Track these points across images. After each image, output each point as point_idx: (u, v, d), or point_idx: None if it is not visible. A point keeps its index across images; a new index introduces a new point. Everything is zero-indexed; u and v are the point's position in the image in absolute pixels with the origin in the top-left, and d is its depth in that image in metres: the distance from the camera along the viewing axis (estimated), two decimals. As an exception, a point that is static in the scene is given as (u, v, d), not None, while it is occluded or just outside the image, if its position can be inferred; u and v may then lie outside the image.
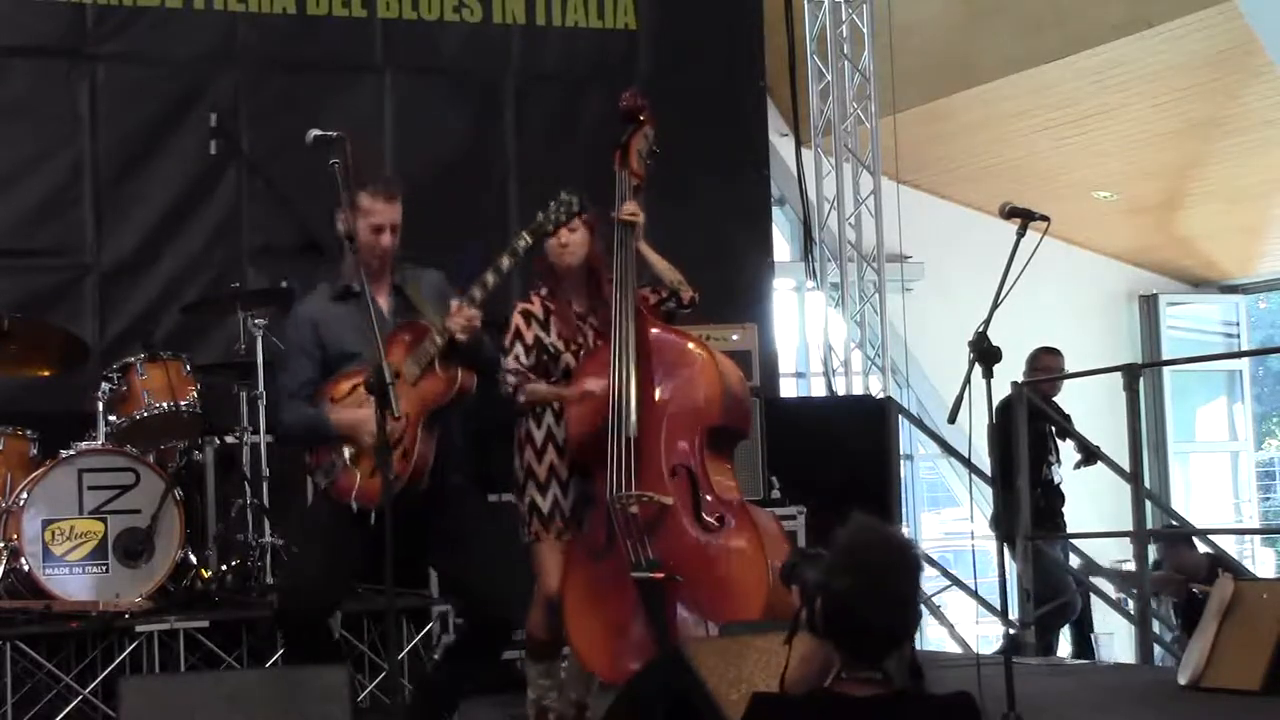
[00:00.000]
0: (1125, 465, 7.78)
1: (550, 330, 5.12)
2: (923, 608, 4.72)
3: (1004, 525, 8.33)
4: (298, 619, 4.80)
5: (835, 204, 9.71)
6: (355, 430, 4.72)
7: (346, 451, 4.77)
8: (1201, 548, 8.81)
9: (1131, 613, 7.95)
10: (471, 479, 5.29)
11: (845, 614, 3.01)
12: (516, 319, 5.11)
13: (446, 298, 4.87)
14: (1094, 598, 8.92)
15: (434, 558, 5.16)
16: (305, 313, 4.95)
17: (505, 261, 4.80)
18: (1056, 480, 8.88)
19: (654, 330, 5.10)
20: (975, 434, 5.08)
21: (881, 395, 9.23)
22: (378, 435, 4.32)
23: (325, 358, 4.87)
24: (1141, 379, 7.71)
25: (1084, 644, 9.03)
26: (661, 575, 4.87)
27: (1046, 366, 9.01)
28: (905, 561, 3.05)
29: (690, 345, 5.11)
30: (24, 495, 5.91)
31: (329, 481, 4.80)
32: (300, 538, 5.35)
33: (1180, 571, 8.61)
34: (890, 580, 3.01)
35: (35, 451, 6.19)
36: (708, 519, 4.92)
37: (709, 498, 4.94)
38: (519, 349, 5.08)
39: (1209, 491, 13.86)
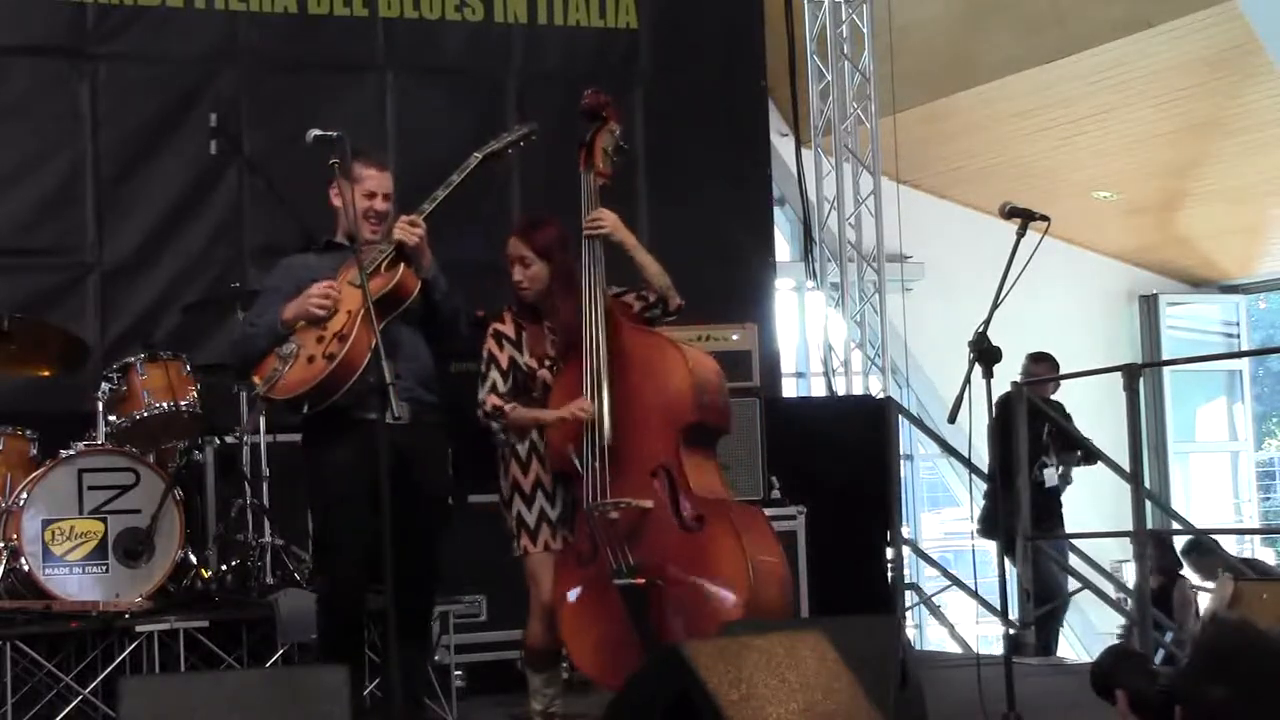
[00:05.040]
0: (1125, 465, 7.78)
1: (524, 349, 5.12)
2: None
3: (994, 525, 8.34)
4: (344, 603, 4.99)
5: (835, 204, 9.71)
6: (302, 307, 4.98)
7: (291, 345, 4.98)
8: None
9: (1131, 613, 7.94)
10: (446, 438, 5.36)
11: None
12: (490, 343, 5.13)
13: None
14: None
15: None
16: (291, 260, 5.28)
17: (455, 178, 5.09)
18: (1049, 483, 8.85)
19: (624, 332, 5.07)
20: (975, 434, 5.09)
21: (881, 395, 9.22)
22: (379, 446, 4.36)
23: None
24: (1141, 379, 7.70)
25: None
26: (642, 581, 4.88)
27: (1035, 374, 8.97)
28: None
29: (659, 343, 5.06)
30: (24, 495, 5.90)
31: (270, 385, 4.99)
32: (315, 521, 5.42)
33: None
34: (1277, 690, 2.62)
35: (35, 451, 6.18)
36: (687, 519, 4.91)
37: (687, 497, 4.92)
38: (495, 374, 5.09)
39: (1209, 491, 13.87)
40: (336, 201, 5.04)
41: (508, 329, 5.13)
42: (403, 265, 5.02)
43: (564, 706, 5.27)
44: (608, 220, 5.12)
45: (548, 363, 5.10)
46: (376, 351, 4.51)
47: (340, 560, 5.07)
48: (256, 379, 5.09)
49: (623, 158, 5.31)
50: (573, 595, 5.03)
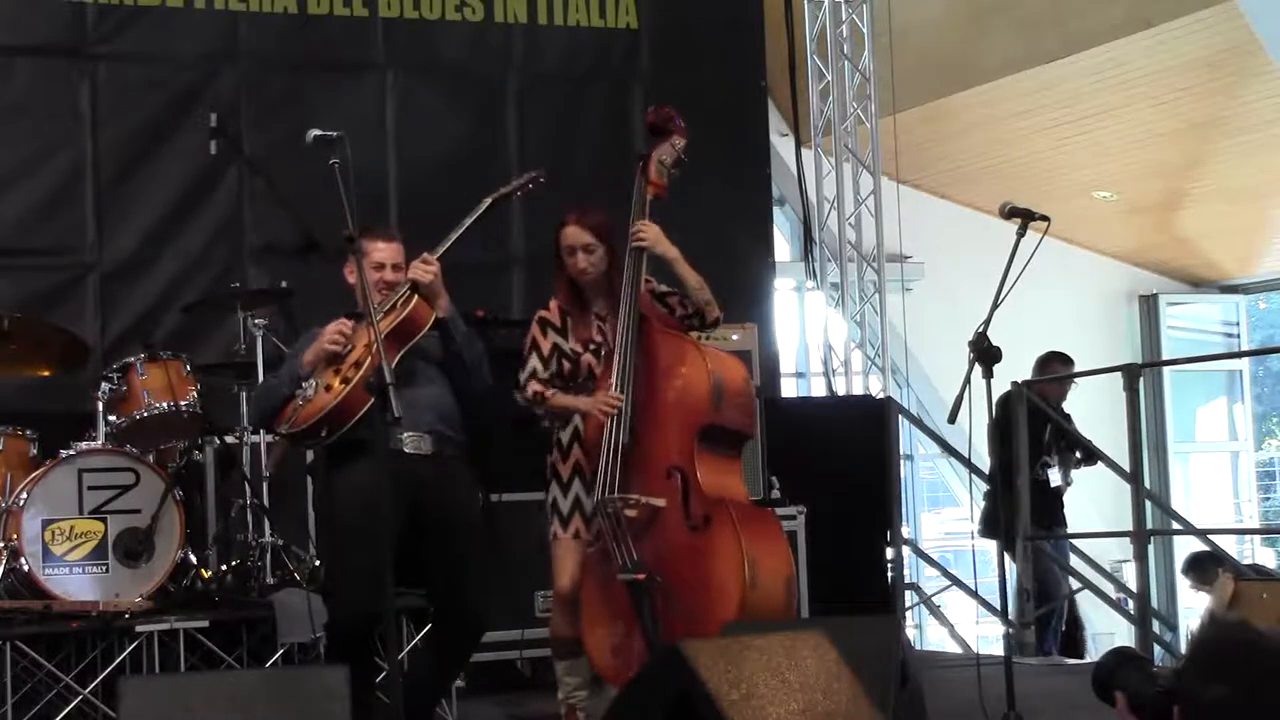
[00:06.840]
0: (1125, 465, 7.78)
1: (569, 335, 5.19)
2: None
3: (996, 525, 8.34)
4: (351, 625, 4.91)
5: (835, 204, 9.71)
6: (319, 346, 5.04)
7: (310, 384, 5.01)
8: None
9: (1131, 613, 7.94)
10: (474, 473, 5.34)
11: None
12: (534, 329, 5.22)
13: None
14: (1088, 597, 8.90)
15: (424, 539, 5.09)
16: (313, 330, 5.25)
17: (466, 221, 5.24)
18: (1054, 483, 8.85)
19: (653, 334, 5.11)
20: (975, 434, 5.10)
21: (881, 395, 9.22)
22: (378, 444, 4.35)
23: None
24: (1141, 379, 7.70)
25: (1071, 643, 9.02)
26: (642, 576, 4.89)
27: (1054, 372, 8.94)
28: None
29: (683, 345, 5.11)
30: (24, 495, 5.89)
31: (291, 421, 5.01)
32: (328, 545, 5.45)
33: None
34: (1275, 690, 2.56)
35: (35, 451, 6.17)
36: (694, 519, 4.93)
37: (697, 498, 4.94)
38: (535, 360, 5.18)
39: (1209, 491, 13.87)
40: (351, 279, 5.06)
41: (553, 316, 5.22)
42: (416, 298, 5.07)
43: (591, 701, 5.26)
44: (649, 234, 5.18)
45: (592, 347, 5.17)
46: (378, 352, 4.50)
47: (351, 587, 4.93)
48: (280, 424, 5.11)
49: (679, 169, 5.33)
50: (595, 593, 5.07)
